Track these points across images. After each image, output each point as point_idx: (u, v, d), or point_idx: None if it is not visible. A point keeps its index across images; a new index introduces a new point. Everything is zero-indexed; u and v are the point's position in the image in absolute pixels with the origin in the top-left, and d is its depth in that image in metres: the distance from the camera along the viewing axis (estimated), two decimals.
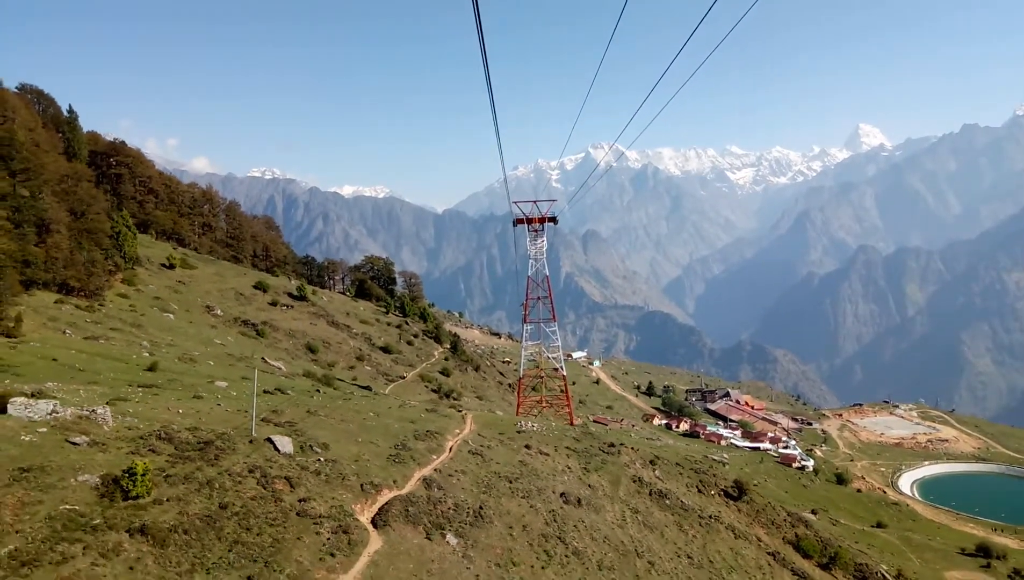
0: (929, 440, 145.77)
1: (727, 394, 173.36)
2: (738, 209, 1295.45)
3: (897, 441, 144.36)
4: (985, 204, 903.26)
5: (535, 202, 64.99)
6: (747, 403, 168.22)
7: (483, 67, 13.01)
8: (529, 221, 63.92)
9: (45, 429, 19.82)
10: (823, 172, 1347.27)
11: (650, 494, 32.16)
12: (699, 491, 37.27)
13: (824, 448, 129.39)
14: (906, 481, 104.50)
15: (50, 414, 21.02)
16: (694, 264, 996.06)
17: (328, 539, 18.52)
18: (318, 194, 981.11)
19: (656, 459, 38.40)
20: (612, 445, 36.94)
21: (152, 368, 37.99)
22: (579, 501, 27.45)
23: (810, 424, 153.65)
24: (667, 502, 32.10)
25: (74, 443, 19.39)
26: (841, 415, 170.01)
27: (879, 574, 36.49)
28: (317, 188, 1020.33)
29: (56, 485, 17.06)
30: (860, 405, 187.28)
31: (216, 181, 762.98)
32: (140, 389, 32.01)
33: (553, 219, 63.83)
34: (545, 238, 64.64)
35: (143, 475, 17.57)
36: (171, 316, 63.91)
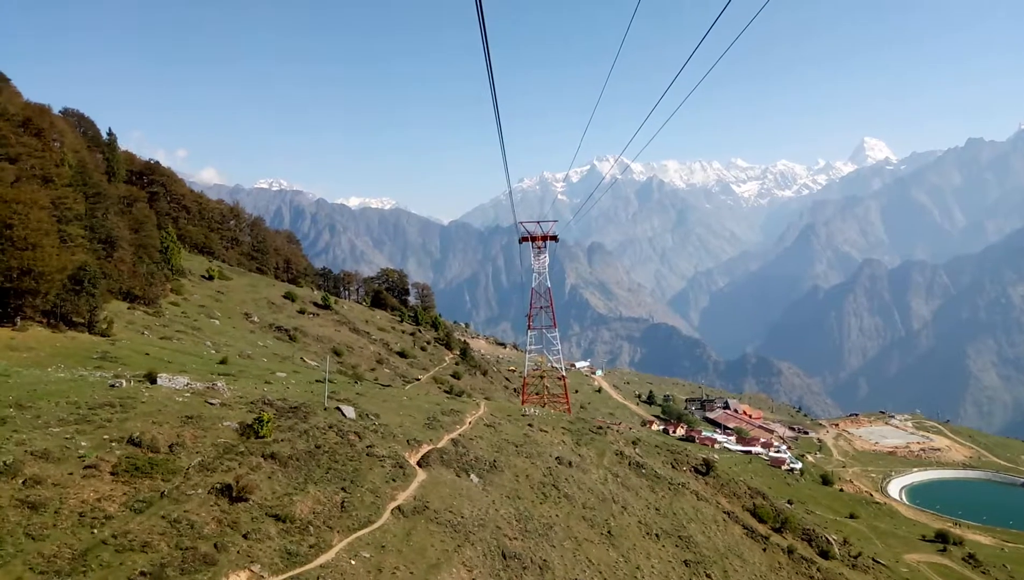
0: (922, 449, 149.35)
1: (726, 404, 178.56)
2: (743, 222, 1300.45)
3: (891, 450, 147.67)
4: (990, 218, 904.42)
5: (539, 222, 73.53)
6: (745, 412, 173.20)
7: (488, 80, 13.16)
8: (533, 239, 72.39)
9: (189, 394, 28.12)
10: (828, 185, 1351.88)
11: (629, 464, 39.84)
12: (672, 467, 44.86)
13: (818, 455, 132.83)
14: (895, 486, 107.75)
15: (186, 386, 29.33)
16: (699, 277, 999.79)
17: (390, 471, 26.59)
18: (325, 205, 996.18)
19: (637, 440, 46.12)
20: (600, 427, 44.66)
21: (224, 361, 46.37)
22: (570, 463, 35.28)
23: (806, 433, 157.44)
24: (643, 471, 39.76)
25: (211, 403, 27.67)
26: (837, 425, 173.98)
27: (824, 538, 43.68)
28: (324, 199, 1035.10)
29: (211, 427, 25.31)
30: (856, 415, 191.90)
31: (224, 192, 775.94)
32: (222, 376, 40.16)
33: (554, 237, 72.27)
34: (547, 253, 73.07)
35: (267, 422, 25.81)
36: (216, 322, 72.41)
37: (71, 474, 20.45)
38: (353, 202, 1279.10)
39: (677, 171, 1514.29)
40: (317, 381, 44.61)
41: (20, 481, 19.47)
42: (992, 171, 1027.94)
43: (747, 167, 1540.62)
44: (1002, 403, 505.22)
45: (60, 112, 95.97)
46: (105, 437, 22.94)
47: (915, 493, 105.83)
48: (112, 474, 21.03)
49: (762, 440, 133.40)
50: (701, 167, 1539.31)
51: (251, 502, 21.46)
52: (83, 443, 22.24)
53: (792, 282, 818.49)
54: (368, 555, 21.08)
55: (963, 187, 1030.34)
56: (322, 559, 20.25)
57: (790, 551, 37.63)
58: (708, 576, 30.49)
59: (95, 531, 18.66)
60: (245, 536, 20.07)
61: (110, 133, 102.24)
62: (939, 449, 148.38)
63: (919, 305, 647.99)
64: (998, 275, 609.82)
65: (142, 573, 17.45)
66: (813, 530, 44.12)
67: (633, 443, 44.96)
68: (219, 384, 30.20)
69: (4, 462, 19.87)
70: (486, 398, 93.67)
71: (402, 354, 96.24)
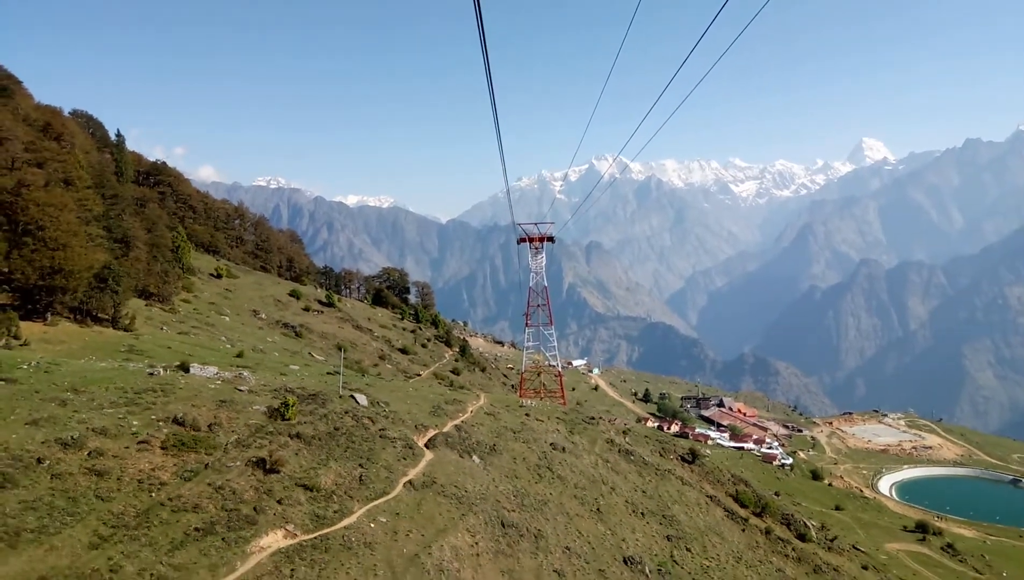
0: (914, 447, 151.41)
1: (721, 402, 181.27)
2: (741, 221, 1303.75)
3: (883, 447, 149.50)
4: (988, 219, 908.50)
5: (536, 224, 76.68)
6: (740, 410, 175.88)
7: (486, 79, 13.07)
8: (531, 240, 75.53)
9: (220, 382, 31.20)
10: (826, 185, 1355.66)
11: (619, 451, 42.98)
12: (660, 455, 48.04)
13: (811, 452, 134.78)
14: (885, 482, 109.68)
15: (216, 374, 32.40)
16: (697, 276, 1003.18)
17: (401, 450, 29.73)
18: (323, 203, 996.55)
19: (627, 430, 49.29)
20: (592, 418, 47.81)
21: (240, 355, 49.43)
22: (563, 449, 38.42)
23: (800, 431, 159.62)
24: (632, 457, 42.92)
25: (240, 390, 30.77)
26: (831, 423, 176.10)
27: (802, 522, 46.80)
28: (322, 197, 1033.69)
29: (242, 410, 28.41)
30: (850, 413, 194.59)
31: (222, 190, 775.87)
32: (240, 368, 43.18)
33: (551, 238, 75.43)
34: (544, 254, 76.23)
35: (292, 406, 28.92)
36: (227, 318, 75.40)
37: (127, 448, 23.55)
38: (351, 200, 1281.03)
39: (675, 170, 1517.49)
40: (328, 373, 47.73)
41: (85, 453, 22.58)
42: (990, 172, 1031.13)
43: (745, 167, 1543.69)
44: (998, 403, 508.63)
45: (69, 113, 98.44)
46: (152, 417, 26.04)
47: (905, 489, 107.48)
48: (162, 448, 24.14)
49: (755, 437, 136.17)
50: (699, 166, 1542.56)
51: (282, 474, 24.58)
52: (134, 422, 25.34)
53: (790, 282, 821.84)
54: (385, 520, 24.22)
55: (961, 188, 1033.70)
56: (345, 522, 23.39)
57: (768, 532, 40.74)
58: (688, 550, 33.62)
59: (153, 494, 21.77)
60: (279, 502, 23.19)
61: (118, 134, 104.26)
62: (931, 447, 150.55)
63: (916, 305, 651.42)
64: (995, 276, 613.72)
65: (196, 529, 20.56)
66: (792, 515, 47.27)
67: (623, 433, 48.11)
68: (245, 373, 33.33)
69: (71, 436, 22.96)
70: (485, 393, 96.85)
71: (404, 350, 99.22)
